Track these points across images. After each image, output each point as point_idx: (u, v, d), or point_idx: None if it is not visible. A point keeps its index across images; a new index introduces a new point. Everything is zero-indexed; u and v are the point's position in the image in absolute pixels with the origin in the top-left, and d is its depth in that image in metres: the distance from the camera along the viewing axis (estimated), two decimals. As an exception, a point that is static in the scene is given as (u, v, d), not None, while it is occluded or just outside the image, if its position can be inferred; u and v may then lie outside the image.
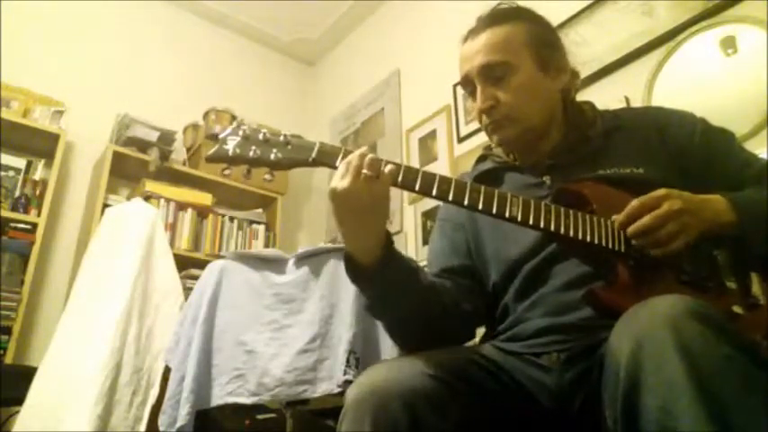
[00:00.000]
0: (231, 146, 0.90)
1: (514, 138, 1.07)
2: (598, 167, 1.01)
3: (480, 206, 0.88)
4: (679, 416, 0.60)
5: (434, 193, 0.87)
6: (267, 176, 0.92)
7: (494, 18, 1.08)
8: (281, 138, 0.91)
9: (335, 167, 0.88)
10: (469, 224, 1.11)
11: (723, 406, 0.59)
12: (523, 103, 1.05)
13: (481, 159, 1.21)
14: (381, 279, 0.91)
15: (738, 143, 1.11)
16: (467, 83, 1.09)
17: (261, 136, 0.91)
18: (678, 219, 0.86)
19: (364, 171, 0.84)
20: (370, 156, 0.86)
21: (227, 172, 0.94)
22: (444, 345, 0.94)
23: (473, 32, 1.09)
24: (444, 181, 0.88)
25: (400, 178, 0.87)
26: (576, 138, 1.07)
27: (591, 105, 1.14)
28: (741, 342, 0.65)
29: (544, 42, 1.08)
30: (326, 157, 0.89)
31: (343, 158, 0.88)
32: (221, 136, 0.91)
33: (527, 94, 1.05)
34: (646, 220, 0.87)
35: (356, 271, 0.92)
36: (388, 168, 0.86)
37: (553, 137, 1.09)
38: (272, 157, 0.89)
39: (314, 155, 0.89)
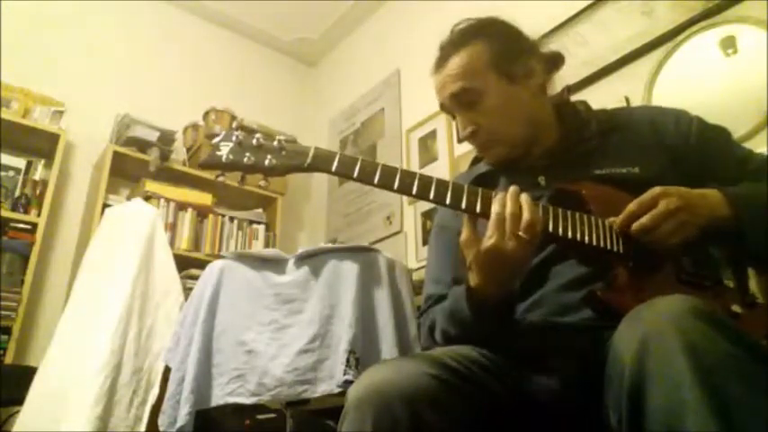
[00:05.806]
0: (224, 152, 0.88)
1: (504, 155, 1.09)
2: (594, 167, 1.01)
3: (478, 209, 0.87)
4: (685, 415, 0.60)
5: (431, 196, 0.87)
6: (262, 183, 0.91)
7: (454, 43, 1.10)
8: (275, 143, 0.88)
9: (332, 173, 0.87)
10: None
11: (729, 405, 0.59)
12: (502, 122, 1.07)
13: (476, 161, 1.21)
14: (507, 315, 0.92)
15: (734, 140, 1.11)
16: (446, 111, 1.13)
17: (254, 141, 0.88)
18: (675, 216, 0.87)
19: (520, 234, 0.82)
20: (526, 219, 0.82)
21: (221, 178, 0.92)
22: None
23: (439, 62, 1.11)
24: (441, 184, 0.88)
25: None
26: (572, 138, 1.07)
27: (585, 105, 1.14)
28: (745, 341, 0.65)
29: (506, 54, 1.08)
30: (322, 163, 0.88)
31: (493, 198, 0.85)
32: (214, 142, 0.89)
33: (503, 112, 1.06)
34: (644, 219, 0.87)
35: (480, 306, 0.90)
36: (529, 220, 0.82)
37: (546, 138, 1.09)
38: (267, 163, 0.87)
39: (309, 160, 0.87)
